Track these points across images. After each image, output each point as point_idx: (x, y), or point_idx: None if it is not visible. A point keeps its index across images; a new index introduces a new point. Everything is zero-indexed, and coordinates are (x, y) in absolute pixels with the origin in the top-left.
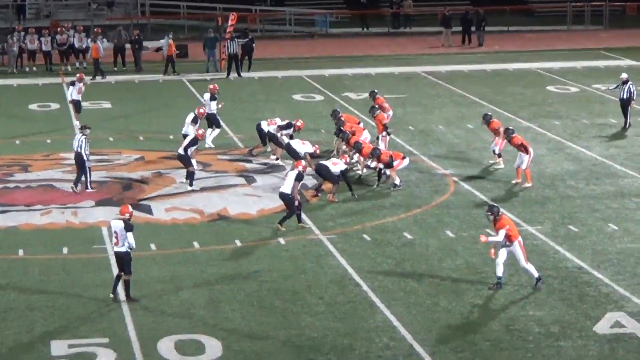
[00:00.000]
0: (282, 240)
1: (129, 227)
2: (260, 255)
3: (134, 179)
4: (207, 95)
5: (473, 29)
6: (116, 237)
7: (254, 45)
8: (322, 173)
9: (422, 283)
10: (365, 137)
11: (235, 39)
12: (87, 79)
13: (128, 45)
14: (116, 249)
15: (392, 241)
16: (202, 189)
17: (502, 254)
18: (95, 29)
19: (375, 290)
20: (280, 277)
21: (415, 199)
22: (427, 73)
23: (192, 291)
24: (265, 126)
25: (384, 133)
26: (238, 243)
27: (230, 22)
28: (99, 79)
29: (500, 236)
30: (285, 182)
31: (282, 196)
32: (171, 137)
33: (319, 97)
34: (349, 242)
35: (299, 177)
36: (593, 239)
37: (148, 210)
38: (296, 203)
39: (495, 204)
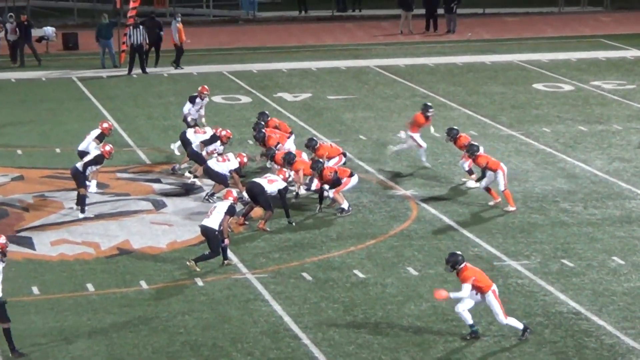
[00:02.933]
0: (199, 282)
1: None
2: (172, 300)
3: (11, 204)
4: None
5: (440, 11)
6: None
7: (162, 33)
8: (255, 195)
9: (378, 334)
10: (289, 147)
11: (140, 27)
12: None
13: (1, 34)
14: None
15: (339, 281)
16: (98, 217)
17: (467, 302)
18: None
19: (319, 343)
20: (198, 328)
21: (368, 227)
22: (382, 68)
23: (87, 346)
24: (192, 136)
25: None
26: (144, 285)
27: (132, 5)
28: None
29: (465, 292)
30: (212, 215)
31: (206, 231)
32: (58, 150)
33: (245, 99)
34: (285, 283)
35: (231, 211)
36: (593, 276)
37: (29, 243)
38: (226, 242)
39: (457, 252)
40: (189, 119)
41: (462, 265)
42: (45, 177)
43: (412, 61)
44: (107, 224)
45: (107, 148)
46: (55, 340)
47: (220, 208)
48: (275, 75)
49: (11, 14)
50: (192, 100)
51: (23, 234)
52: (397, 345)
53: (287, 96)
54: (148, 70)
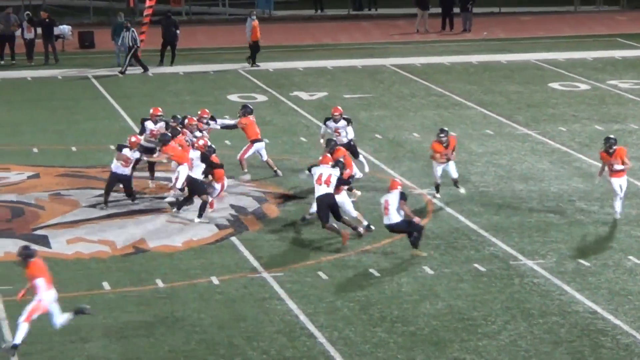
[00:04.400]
0: (215, 280)
1: None
2: (188, 298)
3: (27, 203)
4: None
5: (456, 10)
6: None
7: (178, 32)
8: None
9: (394, 333)
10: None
11: (131, 29)
12: None
13: (18, 33)
14: None
15: (355, 280)
16: (113, 215)
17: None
18: None
19: (335, 342)
20: (214, 326)
21: (384, 226)
22: (398, 66)
23: (102, 344)
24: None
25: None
26: (159, 283)
27: (148, 3)
28: None
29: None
30: (390, 212)
31: (393, 227)
32: (74, 148)
33: (261, 98)
34: (301, 282)
35: (404, 197)
36: (609, 275)
37: (45, 241)
38: (417, 220)
39: (29, 245)
40: (321, 140)
41: (32, 260)
42: (61, 176)
43: (428, 60)
44: (123, 222)
45: (201, 142)
46: (71, 338)
47: (392, 200)
48: (291, 74)
49: (28, 12)
50: (325, 121)
51: (39, 232)
52: (413, 344)
53: (303, 95)
54: (165, 68)
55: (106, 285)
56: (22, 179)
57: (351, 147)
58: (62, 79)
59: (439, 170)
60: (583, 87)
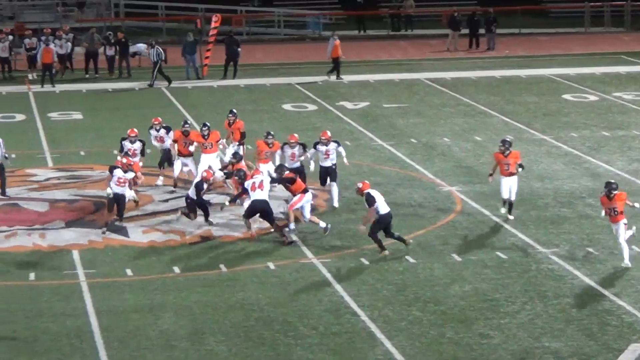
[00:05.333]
0: (271, 265)
1: None
2: (247, 281)
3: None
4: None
5: (482, 31)
6: None
7: (239, 49)
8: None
9: (427, 312)
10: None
11: (156, 46)
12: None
13: (101, 50)
14: None
15: (393, 265)
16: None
17: None
18: (45, 29)
19: (375, 319)
20: (270, 306)
21: (418, 219)
22: (431, 80)
23: (173, 321)
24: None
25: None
26: (223, 268)
27: (213, 24)
28: (47, 87)
29: None
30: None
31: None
32: (148, 151)
33: (311, 107)
34: (346, 267)
35: None
36: (614, 262)
37: (124, 232)
38: None
39: None
40: (311, 164)
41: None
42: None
43: (457, 75)
44: None
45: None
46: (146, 316)
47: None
48: (338, 86)
49: (110, 32)
50: (315, 145)
51: (118, 223)
52: (444, 321)
53: (348, 104)
54: (228, 81)
55: (176, 269)
56: (104, 177)
57: (329, 172)
58: (138, 90)
59: (505, 185)
60: (592, 98)
